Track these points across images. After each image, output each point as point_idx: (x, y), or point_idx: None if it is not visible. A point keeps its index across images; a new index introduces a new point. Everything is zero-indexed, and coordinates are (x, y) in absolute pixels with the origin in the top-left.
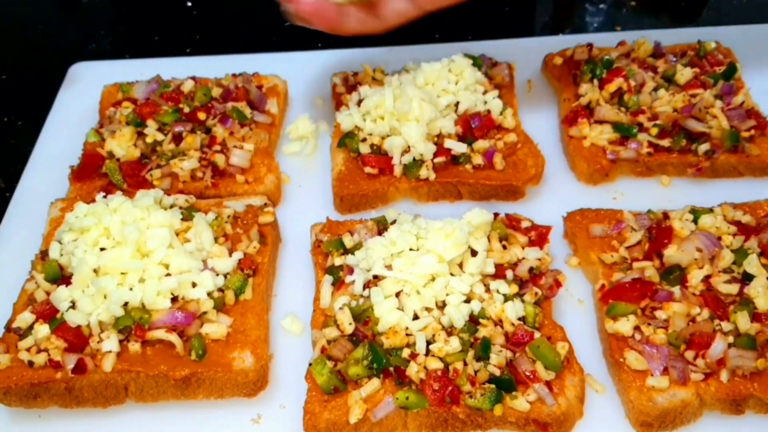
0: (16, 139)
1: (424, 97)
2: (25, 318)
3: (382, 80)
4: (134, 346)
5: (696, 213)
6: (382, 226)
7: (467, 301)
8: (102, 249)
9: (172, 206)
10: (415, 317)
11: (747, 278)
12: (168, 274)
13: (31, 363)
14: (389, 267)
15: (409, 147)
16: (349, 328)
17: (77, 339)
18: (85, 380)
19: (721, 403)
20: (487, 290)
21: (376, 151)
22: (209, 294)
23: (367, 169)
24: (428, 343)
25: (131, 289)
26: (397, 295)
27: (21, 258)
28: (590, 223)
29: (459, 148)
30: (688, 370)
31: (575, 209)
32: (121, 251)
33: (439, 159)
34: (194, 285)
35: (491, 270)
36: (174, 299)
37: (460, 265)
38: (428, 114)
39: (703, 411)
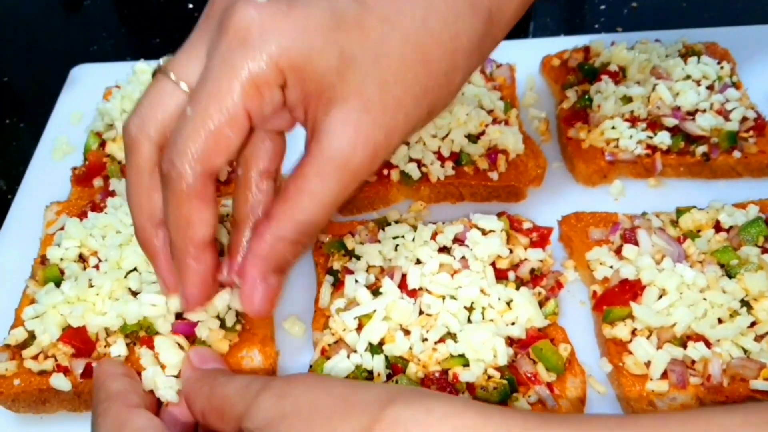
0: (18, 141)
1: None
2: (16, 335)
3: None
4: (141, 350)
5: (679, 213)
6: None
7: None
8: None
9: None
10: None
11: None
12: None
13: (42, 372)
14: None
15: None
16: (344, 333)
17: (84, 344)
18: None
19: (721, 406)
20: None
21: None
22: None
23: None
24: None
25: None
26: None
27: (23, 260)
28: (586, 226)
29: (474, 149)
30: (686, 373)
31: (572, 212)
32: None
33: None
34: None
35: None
36: None
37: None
38: None
39: None
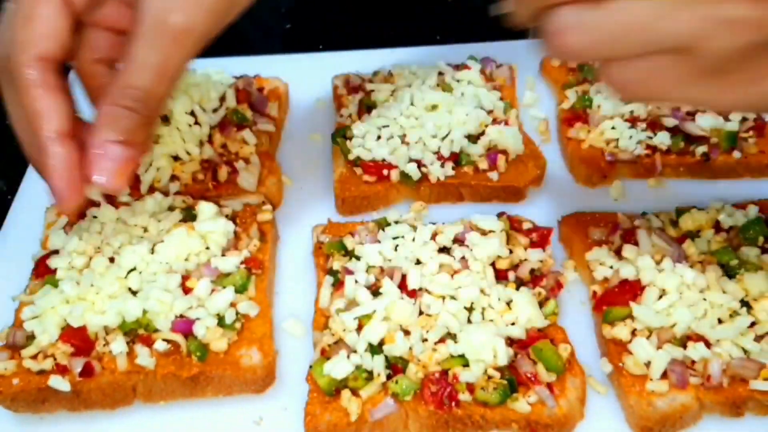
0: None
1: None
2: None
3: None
4: (142, 350)
5: (679, 213)
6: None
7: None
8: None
9: (170, 208)
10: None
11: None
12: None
13: (41, 371)
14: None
15: None
16: (344, 333)
17: (83, 343)
18: (93, 383)
19: (721, 406)
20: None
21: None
22: None
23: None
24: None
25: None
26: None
27: (23, 261)
28: (586, 227)
29: (474, 149)
30: (686, 373)
31: (572, 212)
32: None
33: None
34: None
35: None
36: None
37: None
38: None
39: (702, 414)
